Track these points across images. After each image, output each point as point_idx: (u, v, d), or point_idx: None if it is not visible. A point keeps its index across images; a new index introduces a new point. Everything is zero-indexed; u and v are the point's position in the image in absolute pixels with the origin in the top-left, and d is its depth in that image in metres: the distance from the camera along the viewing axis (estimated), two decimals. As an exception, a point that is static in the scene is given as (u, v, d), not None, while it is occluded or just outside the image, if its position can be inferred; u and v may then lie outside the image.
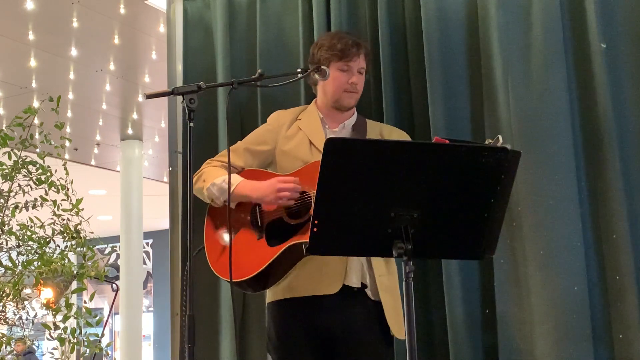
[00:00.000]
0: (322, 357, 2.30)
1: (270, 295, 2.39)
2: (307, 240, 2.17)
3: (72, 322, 3.01)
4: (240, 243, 2.29)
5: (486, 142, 2.09)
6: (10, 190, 3.04)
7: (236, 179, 2.30)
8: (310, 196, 2.24)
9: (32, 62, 6.34)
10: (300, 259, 2.25)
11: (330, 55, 2.39)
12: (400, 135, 2.53)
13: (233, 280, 2.27)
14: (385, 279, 2.32)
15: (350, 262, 2.28)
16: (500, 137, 2.06)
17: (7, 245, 3.08)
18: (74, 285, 3.29)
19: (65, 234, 3.09)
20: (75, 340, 2.96)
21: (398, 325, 2.31)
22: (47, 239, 3.09)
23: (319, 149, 2.36)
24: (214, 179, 2.33)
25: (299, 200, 2.26)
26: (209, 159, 2.47)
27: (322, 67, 2.36)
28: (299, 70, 2.45)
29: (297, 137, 2.43)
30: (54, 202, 3.07)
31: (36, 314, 3.17)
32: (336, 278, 2.25)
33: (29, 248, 3.08)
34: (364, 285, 2.30)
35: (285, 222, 2.26)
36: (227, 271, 2.25)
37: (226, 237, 2.33)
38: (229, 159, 2.20)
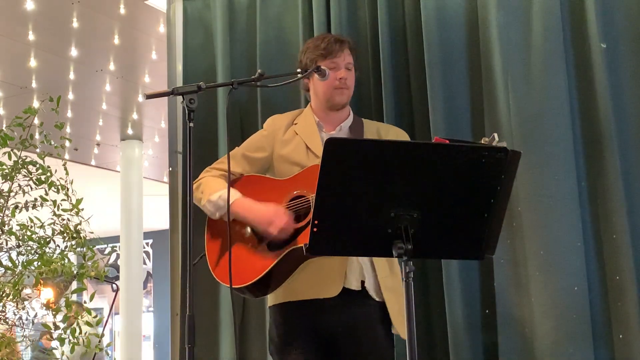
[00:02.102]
0: (325, 358, 2.29)
1: (272, 299, 2.39)
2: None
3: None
4: (240, 249, 2.28)
5: (482, 141, 2.09)
6: (10, 190, 3.04)
7: (233, 195, 2.27)
8: (309, 200, 2.23)
9: (32, 62, 6.34)
10: (301, 263, 2.24)
11: (316, 56, 2.40)
12: (398, 133, 2.52)
13: (233, 287, 2.28)
14: (388, 279, 2.31)
15: (350, 265, 2.27)
16: (495, 135, 2.07)
17: (7, 245, 3.08)
18: (74, 285, 3.28)
19: (65, 234, 3.09)
20: (75, 341, 2.96)
21: (403, 325, 2.30)
22: (47, 239, 3.08)
23: (315, 153, 2.36)
24: (211, 192, 2.32)
25: (299, 204, 2.26)
26: (208, 167, 2.47)
27: (322, 67, 2.36)
28: (299, 70, 2.45)
29: (294, 141, 2.42)
30: (54, 202, 3.07)
31: (36, 314, 3.16)
32: (336, 281, 2.25)
33: (29, 248, 3.07)
34: (364, 286, 2.29)
35: None
36: (228, 277, 2.26)
37: (225, 245, 2.32)
38: (228, 163, 2.19)
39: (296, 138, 2.43)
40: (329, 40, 2.43)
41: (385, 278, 2.30)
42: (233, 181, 2.38)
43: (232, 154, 2.43)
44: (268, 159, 2.44)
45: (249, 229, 2.32)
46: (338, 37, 2.48)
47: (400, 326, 2.28)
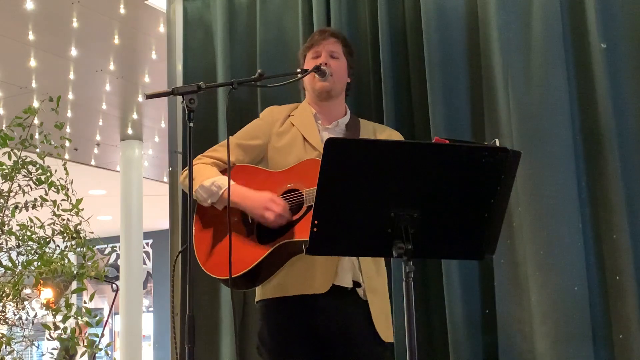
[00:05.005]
0: (317, 358, 2.28)
1: (260, 293, 2.37)
2: (299, 239, 2.18)
3: (72, 322, 3.00)
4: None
5: None
6: (10, 190, 3.04)
7: (225, 181, 2.25)
8: (303, 194, 2.23)
9: (32, 62, 6.33)
10: (292, 257, 2.23)
11: (303, 50, 2.51)
12: (391, 135, 2.52)
13: (221, 278, 2.26)
14: (373, 280, 2.30)
15: (341, 262, 2.26)
16: (497, 140, 2.06)
17: (7, 245, 3.08)
18: (74, 285, 3.28)
19: (65, 234, 3.09)
20: (75, 340, 2.96)
21: (385, 327, 2.29)
22: (47, 239, 3.08)
23: (312, 145, 2.35)
24: (203, 179, 2.29)
25: (292, 198, 2.25)
26: (200, 154, 2.44)
27: (322, 67, 2.37)
28: (298, 70, 2.45)
29: (290, 133, 2.41)
30: (54, 202, 3.07)
31: (36, 314, 3.16)
32: (326, 277, 2.24)
33: (29, 248, 3.07)
34: (356, 284, 2.28)
35: None
36: (218, 269, 2.24)
37: (216, 235, 2.30)
38: (228, 157, 2.18)
39: (292, 130, 2.42)
40: (314, 33, 2.52)
41: (370, 279, 2.29)
42: (225, 170, 2.36)
43: (225, 142, 2.43)
44: (263, 147, 2.43)
45: (240, 221, 2.29)
46: (323, 28, 2.56)
47: (381, 328, 2.27)
